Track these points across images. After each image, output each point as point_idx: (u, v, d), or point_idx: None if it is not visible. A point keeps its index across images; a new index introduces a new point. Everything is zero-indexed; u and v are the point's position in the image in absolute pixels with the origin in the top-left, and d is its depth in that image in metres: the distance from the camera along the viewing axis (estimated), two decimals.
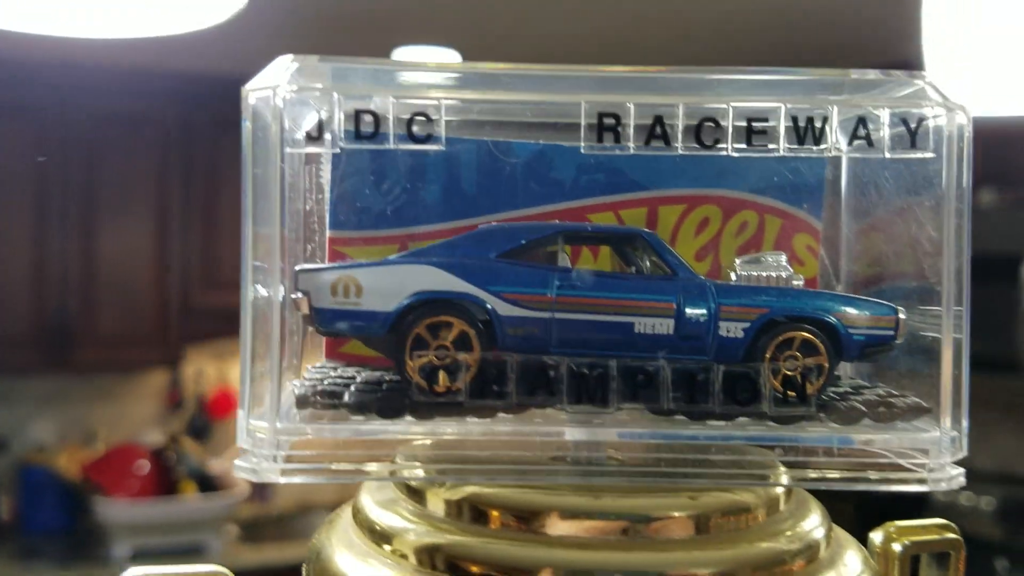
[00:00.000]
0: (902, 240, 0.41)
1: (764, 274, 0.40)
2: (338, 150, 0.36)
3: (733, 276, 0.40)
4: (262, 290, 0.37)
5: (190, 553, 3.05)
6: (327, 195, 0.45)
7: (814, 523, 0.37)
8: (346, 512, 0.41)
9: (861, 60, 3.00)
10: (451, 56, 2.85)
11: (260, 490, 3.59)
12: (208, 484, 3.23)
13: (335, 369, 0.44)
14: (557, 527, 0.36)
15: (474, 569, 0.34)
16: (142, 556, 3.00)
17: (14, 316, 3.12)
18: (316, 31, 2.81)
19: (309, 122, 0.37)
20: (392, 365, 0.42)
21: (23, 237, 3.11)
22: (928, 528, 0.43)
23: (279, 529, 3.55)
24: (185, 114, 3.24)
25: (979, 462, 3.18)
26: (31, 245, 3.12)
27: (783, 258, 0.40)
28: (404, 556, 0.36)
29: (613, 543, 0.36)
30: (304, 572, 0.38)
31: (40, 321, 3.14)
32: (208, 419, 3.58)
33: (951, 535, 0.43)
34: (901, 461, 0.38)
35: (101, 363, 3.30)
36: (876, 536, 0.44)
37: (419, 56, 2.81)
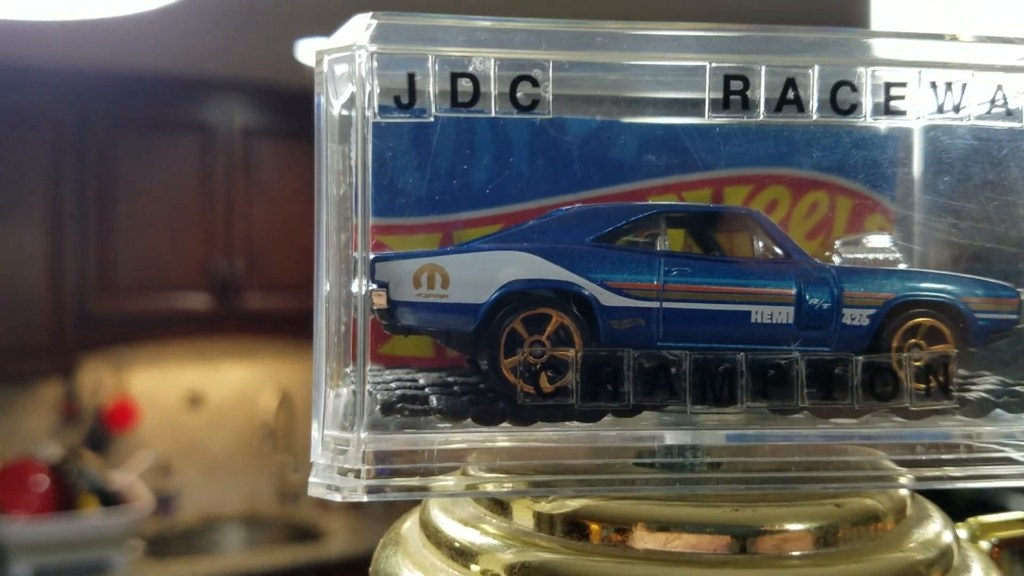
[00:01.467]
0: (990, 220, 0.38)
1: (871, 257, 0.36)
2: (432, 119, 0.32)
3: (836, 260, 0.37)
4: (337, 285, 0.32)
5: (94, 571, 2.91)
6: (361, 177, 0.40)
7: (940, 527, 0.34)
8: (412, 529, 0.36)
9: None
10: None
11: (164, 504, 3.44)
12: (110, 499, 3.08)
13: (382, 373, 0.39)
14: (661, 542, 0.33)
15: None
16: (43, 575, 2.86)
17: None
18: (219, 25, 2.70)
19: (388, 88, 0.32)
20: (448, 366, 0.38)
21: None
22: (1011, 523, 0.41)
23: (185, 544, 3.41)
24: (79, 110, 3.08)
25: None
26: None
27: (887, 239, 0.37)
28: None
29: (726, 560, 0.32)
30: None
31: None
32: (107, 431, 3.41)
33: None
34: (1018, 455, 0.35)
35: None
36: (960, 533, 0.41)
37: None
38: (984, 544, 0.40)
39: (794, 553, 0.32)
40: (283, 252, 3.35)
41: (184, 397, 3.60)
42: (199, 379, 3.62)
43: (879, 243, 0.37)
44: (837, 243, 0.38)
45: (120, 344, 3.32)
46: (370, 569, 0.36)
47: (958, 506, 0.44)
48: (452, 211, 0.41)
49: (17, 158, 3.03)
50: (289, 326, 3.24)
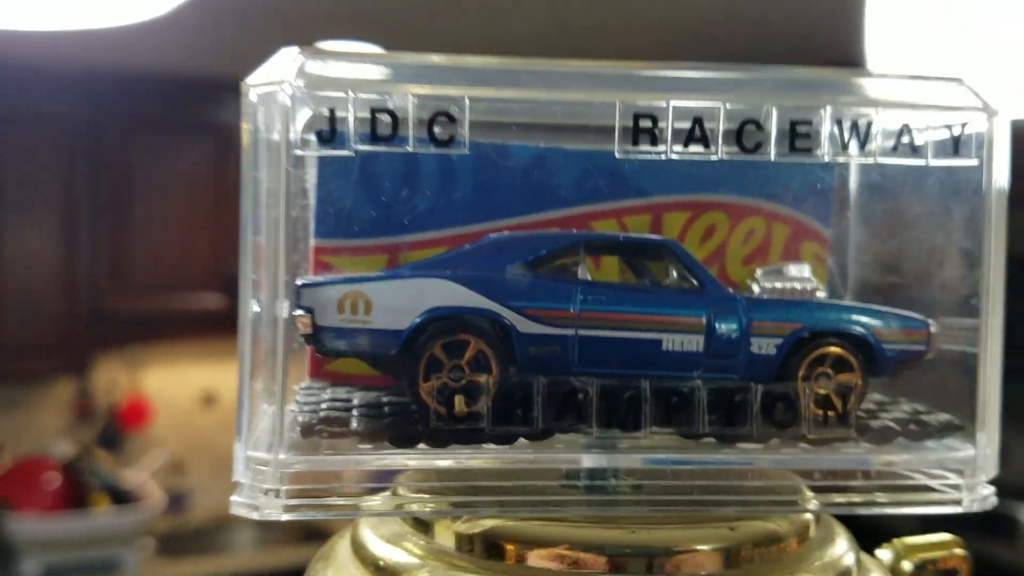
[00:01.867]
0: (922, 248, 0.39)
1: (788, 286, 0.38)
2: (352, 153, 0.33)
3: (756, 289, 0.38)
4: (257, 306, 0.33)
5: (104, 569, 2.95)
6: (311, 200, 0.42)
7: (843, 549, 0.36)
8: (342, 546, 0.37)
9: (805, 59, 3.04)
10: (371, 50, 2.81)
11: (175, 503, 3.48)
12: (121, 497, 3.12)
13: (324, 390, 0.40)
14: (577, 562, 0.34)
15: None
16: (54, 573, 2.89)
17: None
18: (233, 26, 2.74)
19: (305, 122, 0.33)
20: (388, 385, 0.39)
21: None
22: (936, 545, 0.42)
23: (196, 543, 3.44)
24: (93, 112, 3.13)
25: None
26: None
27: (807, 269, 0.39)
28: None
29: None
30: None
31: None
32: (120, 430, 3.46)
33: (959, 551, 0.42)
34: (932, 483, 0.36)
35: (5, 373, 3.17)
36: (884, 554, 0.42)
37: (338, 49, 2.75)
38: (907, 565, 0.41)
39: (701, 574, 0.33)
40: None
41: (197, 396, 3.63)
42: (212, 379, 3.65)
43: (798, 273, 0.38)
44: (758, 272, 0.39)
45: (134, 343, 3.36)
46: None
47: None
48: (397, 234, 0.43)
49: (33, 159, 3.07)
50: None
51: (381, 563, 0.34)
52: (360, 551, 0.35)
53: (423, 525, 0.35)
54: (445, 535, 0.35)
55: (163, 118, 3.24)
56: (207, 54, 3.02)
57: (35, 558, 2.90)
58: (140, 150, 3.19)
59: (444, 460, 0.33)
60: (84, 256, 3.18)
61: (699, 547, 0.33)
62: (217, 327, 3.39)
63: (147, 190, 3.23)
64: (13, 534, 2.86)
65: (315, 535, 3.44)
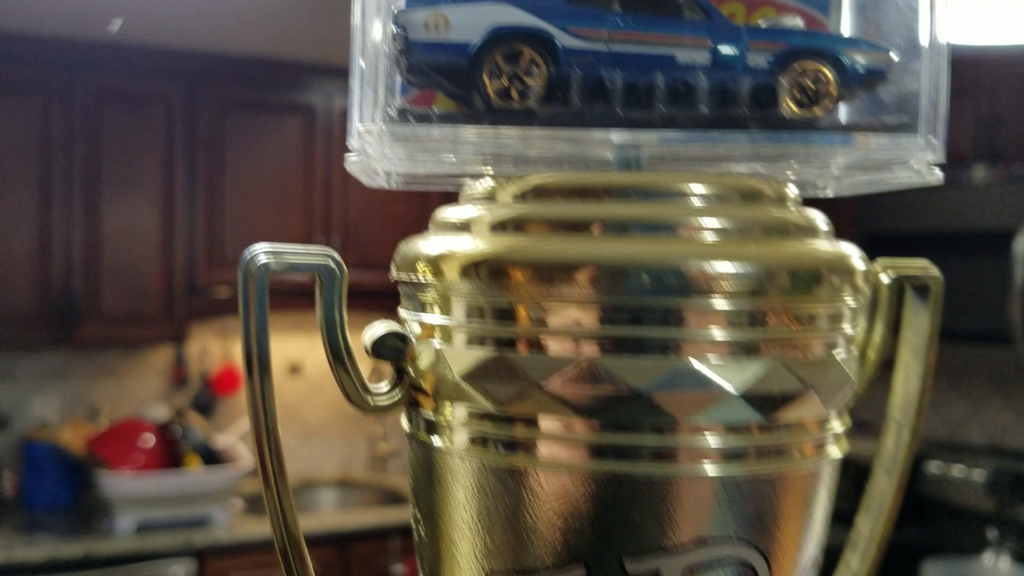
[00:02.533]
0: None
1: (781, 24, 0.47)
2: None
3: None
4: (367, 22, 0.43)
5: (195, 525, 3.10)
6: None
7: (821, 217, 0.43)
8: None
9: None
10: None
11: None
12: (212, 458, 3.28)
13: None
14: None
15: (534, 227, 0.39)
16: (146, 528, 3.05)
17: (19, 294, 3.16)
18: (328, 9, 2.88)
19: None
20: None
21: (28, 215, 3.15)
22: (912, 265, 0.48)
23: None
24: (189, 92, 3.30)
25: (971, 435, 3.27)
26: (36, 223, 3.16)
27: (799, 20, 0.48)
28: (479, 228, 0.41)
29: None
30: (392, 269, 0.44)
31: (44, 298, 3.18)
32: (212, 396, 3.63)
33: (933, 272, 0.47)
34: (903, 161, 0.44)
35: (105, 340, 3.35)
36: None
37: None
38: (885, 277, 0.47)
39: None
40: (376, 230, 3.52)
41: (284, 366, 3.80)
42: (298, 350, 3.81)
43: (791, 22, 0.47)
44: (760, 22, 0.48)
45: (225, 315, 3.52)
46: None
47: None
48: None
49: (134, 137, 3.25)
50: (380, 302, 3.38)
51: (454, 219, 0.42)
52: (436, 221, 0.44)
53: (487, 198, 0.44)
54: (503, 196, 0.43)
55: (255, 99, 3.40)
56: (299, 38, 3.17)
57: (129, 514, 3.06)
58: (233, 130, 3.35)
59: (507, 130, 0.43)
60: (181, 232, 3.34)
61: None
62: (302, 301, 3.54)
63: (239, 168, 3.39)
64: (109, 490, 3.03)
65: (394, 499, 3.57)
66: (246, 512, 3.36)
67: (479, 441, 0.34)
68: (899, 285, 0.45)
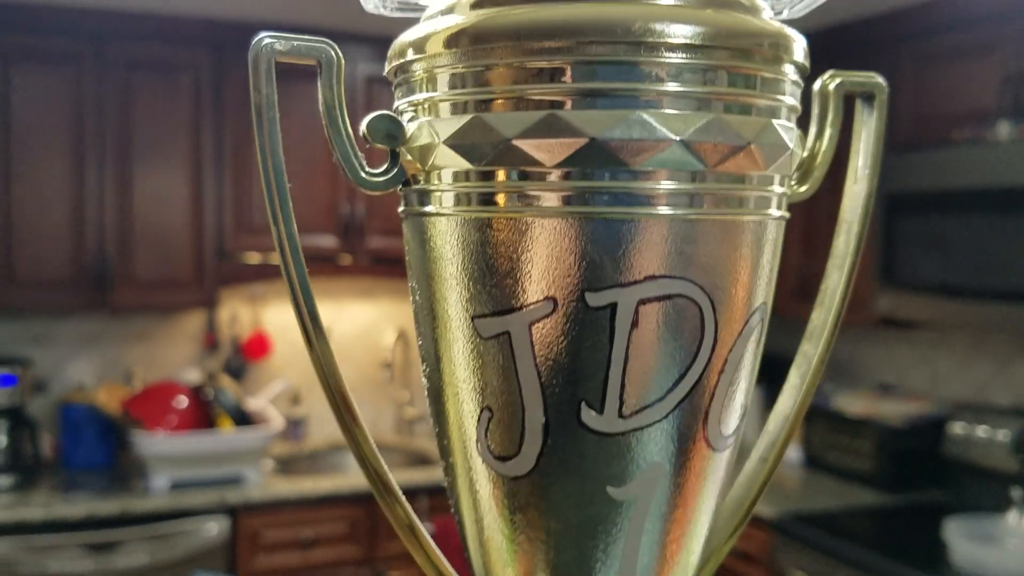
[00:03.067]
0: None
1: None
2: None
3: None
4: None
5: (229, 483, 3.18)
6: None
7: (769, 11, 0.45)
8: None
9: None
10: None
11: (293, 429, 3.72)
12: (244, 420, 3.36)
13: None
14: None
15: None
16: (180, 487, 3.14)
17: (54, 260, 3.24)
18: None
19: None
20: None
21: (62, 183, 3.23)
22: (859, 75, 0.50)
23: (312, 464, 3.68)
24: (216, 60, 3.36)
25: (996, 396, 3.27)
26: (70, 191, 3.24)
27: None
28: (461, 8, 0.41)
29: None
30: None
31: (79, 264, 3.27)
32: (243, 361, 3.71)
33: (878, 80, 0.48)
34: None
35: (138, 305, 3.43)
36: (816, 83, 0.51)
37: None
38: (832, 84, 0.49)
39: None
40: (399, 198, 3.56)
41: None
42: (325, 315, 3.84)
43: None
44: None
45: (254, 281, 3.59)
46: None
47: None
48: None
49: (164, 105, 3.33)
50: (404, 269, 3.45)
51: None
52: None
53: None
54: None
55: (280, 67, 3.45)
56: (321, 6, 3.23)
57: (164, 473, 3.15)
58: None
59: None
60: (209, 198, 3.41)
61: None
62: (331, 267, 3.61)
63: None
64: (144, 450, 3.12)
65: (421, 460, 3.63)
66: (277, 472, 3.45)
67: (463, 198, 0.38)
68: (846, 93, 0.47)
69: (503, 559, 0.42)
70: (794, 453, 3.60)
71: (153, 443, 3.12)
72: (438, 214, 0.39)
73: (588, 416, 0.37)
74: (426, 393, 0.45)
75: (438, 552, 0.44)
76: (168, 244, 3.38)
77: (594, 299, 0.36)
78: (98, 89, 3.23)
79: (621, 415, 0.37)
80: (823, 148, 0.44)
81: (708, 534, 0.43)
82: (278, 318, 3.82)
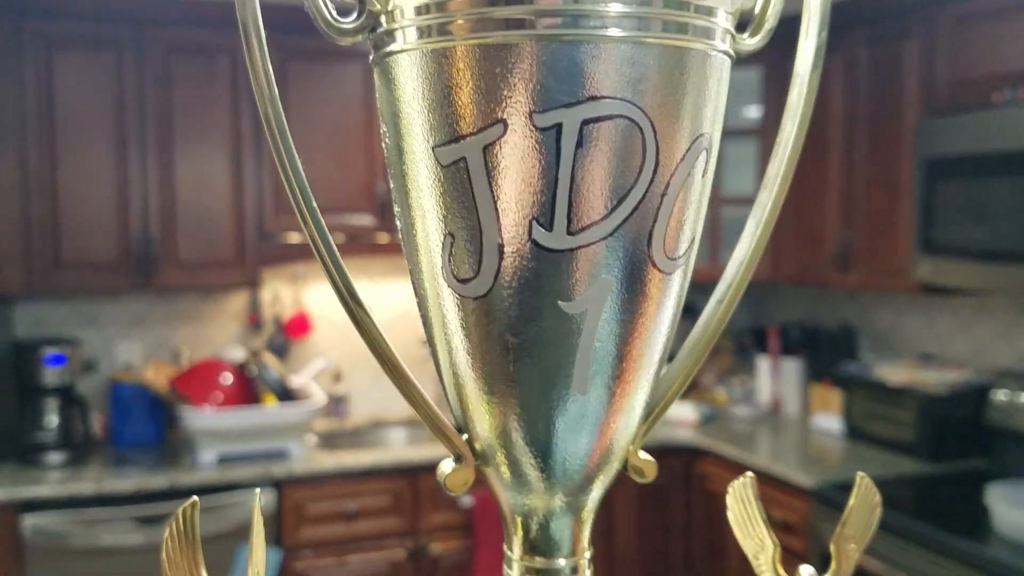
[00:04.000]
0: None
1: None
2: None
3: None
4: None
5: (274, 457, 3.25)
6: None
7: None
8: None
9: None
10: None
11: (336, 406, 3.79)
12: (287, 396, 3.43)
13: None
14: None
15: None
16: (228, 461, 3.21)
17: (101, 243, 3.33)
18: None
19: None
20: None
21: (106, 167, 3.31)
22: None
23: (354, 440, 3.75)
24: None
25: (1004, 359, 3.24)
26: (114, 174, 3.32)
27: None
28: None
29: None
30: None
31: (125, 246, 3.35)
32: (286, 339, 3.78)
33: None
34: None
35: (183, 286, 3.50)
36: None
37: None
38: None
39: None
40: None
41: None
42: (365, 295, 3.93)
43: None
44: None
45: (295, 261, 3.66)
46: None
47: None
48: None
49: (202, 88, 3.39)
50: None
51: None
52: None
53: None
54: None
55: (314, 46, 3.49)
56: None
57: (211, 448, 3.23)
58: (294, 78, 3.47)
59: None
60: (249, 179, 3.47)
61: None
62: (368, 247, 3.66)
63: (302, 116, 3.50)
64: (192, 425, 3.19)
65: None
66: (320, 447, 3.51)
67: (423, 31, 0.41)
68: None
69: (471, 375, 0.45)
70: (834, 423, 3.59)
71: (200, 419, 3.19)
72: (402, 51, 0.42)
73: (539, 233, 0.40)
74: (399, 233, 0.48)
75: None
76: (210, 225, 3.45)
77: (541, 120, 0.39)
78: (138, 74, 3.31)
79: (569, 232, 0.40)
80: (773, 2, 0.46)
81: (661, 359, 0.46)
82: (319, 298, 3.88)
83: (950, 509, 2.85)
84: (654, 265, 0.42)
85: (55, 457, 3.23)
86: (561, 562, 0.52)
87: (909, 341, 3.72)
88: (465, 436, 0.51)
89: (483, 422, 0.48)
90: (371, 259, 3.87)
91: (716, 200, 3.83)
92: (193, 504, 0.46)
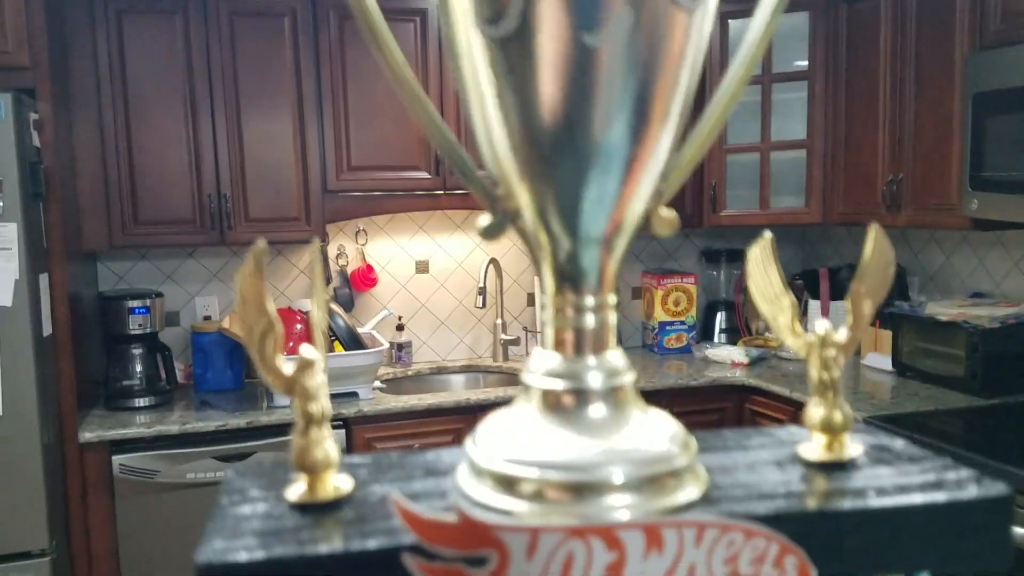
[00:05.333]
0: None
1: None
2: None
3: None
4: None
5: (343, 399, 3.42)
6: None
7: None
8: None
9: None
10: None
11: (398, 354, 3.94)
12: (354, 344, 3.60)
13: None
14: None
15: None
16: None
17: (177, 202, 3.51)
18: None
19: None
20: None
21: (178, 128, 3.48)
22: None
23: (416, 385, 3.91)
24: (312, 3, 3.57)
25: None
26: (185, 136, 3.50)
27: None
28: None
29: None
30: None
31: (199, 205, 3.53)
32: (351, 292, 3.95)
33: None
34: None
35: (254, 242, 3.66)
36: None
37: None
38: None
39: None
40: None
41: (412, 265, 4.09)
42: (424, 250, 4.09)
43: None
44: None
45: (357, 217, 3.81)
46: None
47: None
48: None
49: (266, 50, 3.54)
50: None
51: None
52: None
53: None
54: None
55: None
56: None
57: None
58: (352, 39, 3.60)
59: None
60: (312, 139, 3.62)
61: None
62: (426, 201, 3.79)
63: (360, 77, 3.64)
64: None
65: (515, 381, 3.81)
66: (385, 391, 3.67)
67: None
68: None
69: (500, 120, 0.56)
70: (885, 362, 3.64)
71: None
72: None
73: None
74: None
75: None
76: (278, 183, 3.61)
77: None
78: (204, 37, 3.47)
79: None
80: None
81: (686, 105, 0.57)
82: (381, 252, 4.04)
83: (1001, 440, 2.89)
84: (673, 1, 0.53)
85: (142, 401, 3.43)
86: (589, 299, 0.61)
87: (960, 280, 3.76)
88: (499, 189, 0.60)
89: (512, 175, 0.58)
90: (428, 215, 4.02)
91: (765, 144, 3.90)
92: (262, 247, 0.57)
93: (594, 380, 0.61)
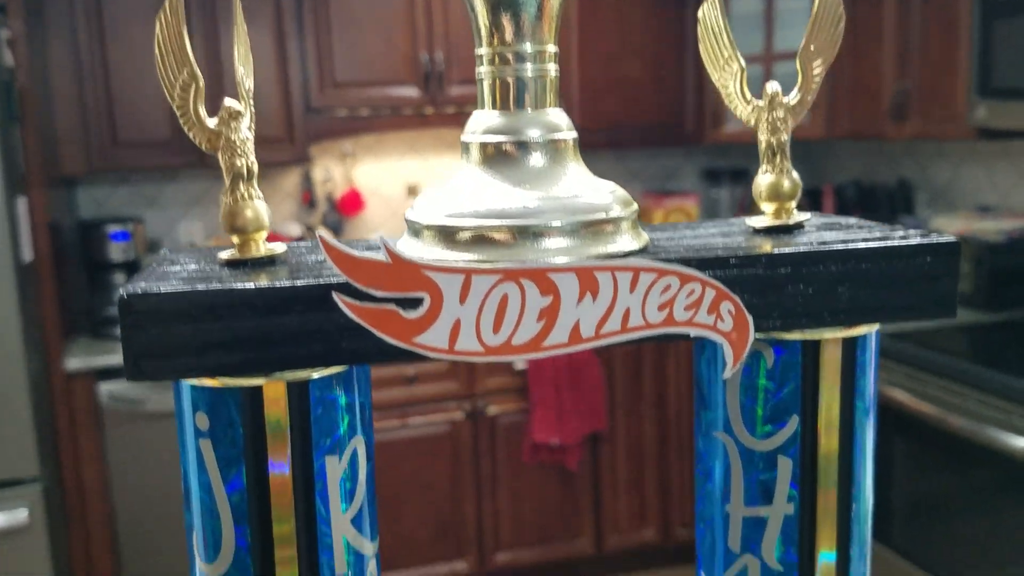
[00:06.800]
0: None
1: None
2: None
3: None
4: None
5: None
6: None
7: None
8: None
9: None
10: None
11: None
12: None
13: None
14: None
15: None
16: None
17: (155, 122, 3.38)
18: None
19: None
20: None
21: (152, 45, 3.35)
22: None
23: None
24: None
25: None
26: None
27: None
28: None
29: None
30: None
31: (176, 126, 3.38)
32: (339, 216, 3.85)
33: None
34: None
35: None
36: None
37: None
38: None
39: None
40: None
41: (402, 188, 3.98)
42: (414, 172, 3.98)
43: None
44: None
45: (343, 137, 3.69)
46: None
47: None
48: None
49: None
50: None
51: None
52: None
53: None
54: None
55: None
56: None
57: None
58: None
59: None
60: (293, 54, 3.47)
61: None
62: (415, 120, 3.66)
63: None
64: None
65: None
66: None
67: None
68: None
69: None
70: None
71: None
72: None
73: None
74: None
75: None
76: (258, 101, 3.44)
77: None
78: None
79: None
80: None
81: None
82: (369, 175, 3.92)
83: (1007, 354, 2.83)
84: None
85: None
86: (527, 45, 0.59)
87: (968, 194, 3.65)
88: None
89: None
90: (418, 132, 3.89)
91: (769, 55, 3.75)
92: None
93: (533, 133, 0.61)
